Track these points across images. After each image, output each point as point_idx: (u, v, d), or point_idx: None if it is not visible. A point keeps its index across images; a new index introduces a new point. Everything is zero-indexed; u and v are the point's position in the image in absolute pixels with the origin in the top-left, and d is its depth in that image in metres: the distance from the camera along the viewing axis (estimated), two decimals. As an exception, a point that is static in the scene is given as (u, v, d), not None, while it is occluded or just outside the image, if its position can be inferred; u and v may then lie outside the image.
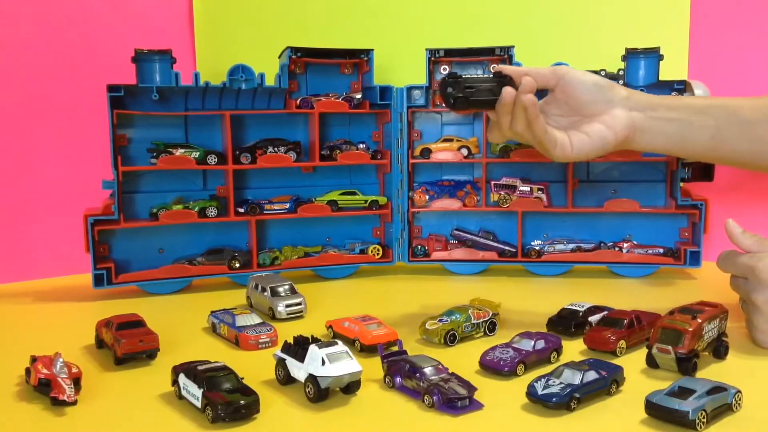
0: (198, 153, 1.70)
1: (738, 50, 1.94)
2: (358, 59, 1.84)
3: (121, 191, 1.63)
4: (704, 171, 1.74)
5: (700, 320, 1.10)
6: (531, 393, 0.99)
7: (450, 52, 1.83)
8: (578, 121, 1.30)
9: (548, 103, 1.32)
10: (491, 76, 1.27)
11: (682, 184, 1.75)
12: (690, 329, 1.08)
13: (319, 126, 1.77)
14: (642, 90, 1.71)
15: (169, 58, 1.64)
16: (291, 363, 1.06)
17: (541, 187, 1.81)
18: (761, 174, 1.92)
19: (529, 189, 1.81)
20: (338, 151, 1.80)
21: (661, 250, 1.78)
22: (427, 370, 1.03)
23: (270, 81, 1.73)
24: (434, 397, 0.98)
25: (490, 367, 1.11)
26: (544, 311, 1.36)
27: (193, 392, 0.99)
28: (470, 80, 1.26)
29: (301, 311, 1.45)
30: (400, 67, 1.90)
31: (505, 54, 1.79)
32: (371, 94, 1.81)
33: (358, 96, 1.83)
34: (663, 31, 1.96)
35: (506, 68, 1.27)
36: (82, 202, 1.68)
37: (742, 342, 1.22)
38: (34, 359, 1.08)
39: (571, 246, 1.81)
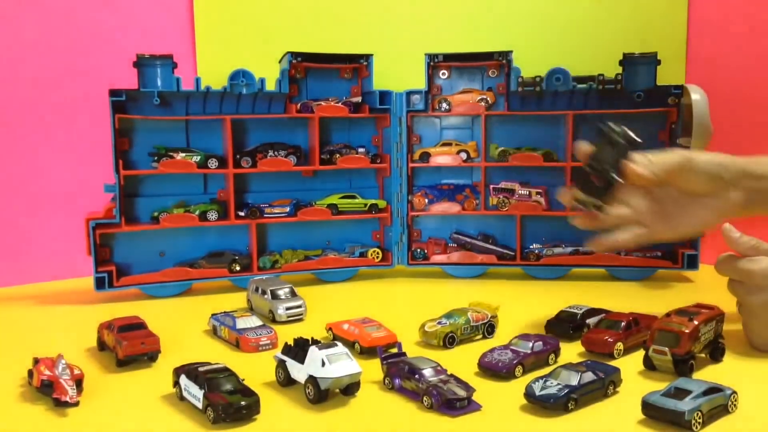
0: (199, 157, 1.71)
1: (735, 55, 1.95)
2: (358, 64, 1.85)
3: (123, 195, 1.64)
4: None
5: (696, 322, 1.11)
6: (529, 394, 0.99)
7: (449, 57, 1.84)
8: (685, 201, 1.24)
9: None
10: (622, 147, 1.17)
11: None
12: (686, 331, 1.09)
13: (319, 130, 1.78)
14: (639, 95, 1.73)
15: (170, 63, 1.65)
16: (291, 364, 1.07)
17: (540, 190, 1.82)
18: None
19: (527, 192, 1.82)
20: (338, 155, 1.81)
21: (659, 254, 1.78)
22: (426, 372, 1.04)
23: (270, 86, 1.74)
24: (433, 398, 0.99)
25: (489, 368, 1.12)
26: (543, 314, 1.37)
27: (195, 393, 1.00)
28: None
29: (301, 314, 1.46)
30: (400, 72, 1.91)
31: (503, 59, 1.80)
32: (371, 98, 1.83)
33: (358, 100, 1.84)
34: (660, 35, 1.98)
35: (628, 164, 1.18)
36: (84, 205, 1.69)
37: (738, 344, 1.23)
38: (36, 361, 1.09)
39: (570, 249, 1.82)
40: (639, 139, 1.18)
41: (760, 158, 1.25)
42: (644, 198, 1.25)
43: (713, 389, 0.96)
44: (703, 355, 1.16)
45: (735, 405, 0.97)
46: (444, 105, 1.84)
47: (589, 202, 1.20)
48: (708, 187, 1.21)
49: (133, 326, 1.23)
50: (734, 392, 0.97)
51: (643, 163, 1.19)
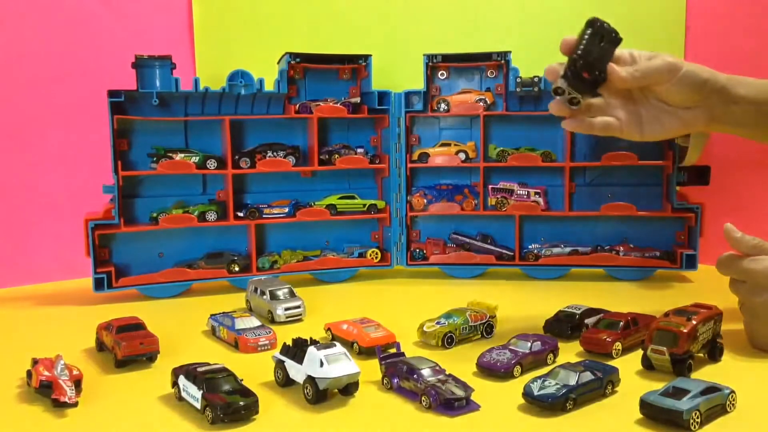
0: (198, 158, 1.71)
1: (734, 55, 1.95)
2: (357, 65, 1.85)
3: (122, 196, 1.64)
4: (700, 175, 1.75)
5: (694, 322, 1.11)
6: (527, 393, 1.00)
7: (447, 58, 1.84)
8: (658, 109, 1.24)
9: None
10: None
11: (678, 188, 1.76)
12: (685, 331, 1.09)
13: (318, 131, 1.79)
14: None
15: (169, 64, 1.65)
16: (290, 365, 1.07)
17: (538, 191, 1.82)
18: (757, 177, 1.93)
19: (526, 193, 1.82)
20: (337, 156, 1.81)
21: (658, 254, 1.79)
22: (425, 372, 1.04)
23: (269, 86, 1.74)
24: (432, 398, 0.99)
25: (487, 368, 1.12)
26: (541, 314, 1.37)
27: (193, 394, 1.00)
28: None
29: (300, 314, 1.46)
30: (398, 73, 1.91)
31: (502, 59, 1.80)
32: (370, 99, 1.83)
33: (357, 101, 1.84)
34: (659, 35, 1.98)
35: (614, 68, 1.17)
36: (83, 206, 1.69)
37: (736, 343, 1.23)
38: (35, 362, 1.09)
39: (568, 249, 1.82)
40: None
41: (741, 79, 1.26)
42: (621, 96, 1.24)
43: (711, 389, 0.96)
44: (701, 354, 1.16)
45: (733, 404, 0.97)
46: (443, 105, 1.84)
47: (567, 92, 1.17)
48: (686, 99, 1.22)
49: (132, 327, 1.23)
50: (732, 392, 0.97)
51: (628, 69, 1.18)
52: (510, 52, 1.79)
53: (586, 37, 1.14)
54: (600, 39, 1.15)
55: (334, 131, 1.87)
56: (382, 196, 1.89)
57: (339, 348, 1.05)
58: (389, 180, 1.85)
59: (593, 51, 1.14)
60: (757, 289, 1.19)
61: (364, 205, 1.85)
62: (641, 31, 1.99)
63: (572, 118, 1.23)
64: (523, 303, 1.58)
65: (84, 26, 1.91)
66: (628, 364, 1.14)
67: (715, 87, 1.22)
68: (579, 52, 1.14)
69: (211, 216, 1.73)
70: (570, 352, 1.23)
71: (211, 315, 1.39)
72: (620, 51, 1.20)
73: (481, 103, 1.83)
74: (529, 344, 1.16)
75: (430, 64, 1.83)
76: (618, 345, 1.21)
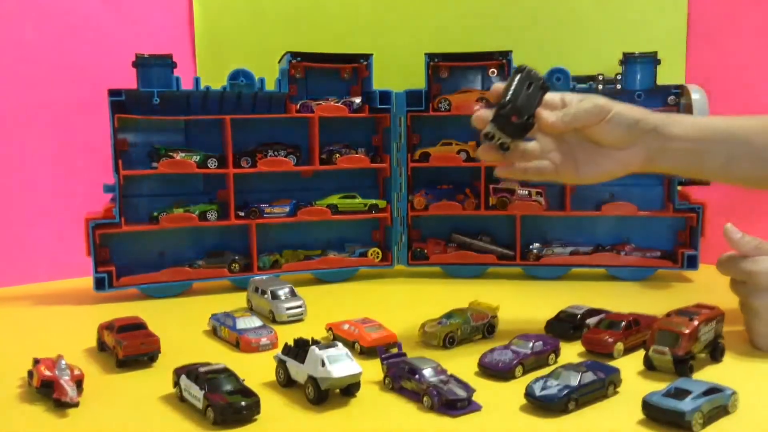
0: (198, 157, 1.71)
1: (735, 54, 1.95)
2: (358, 64, 1.85)
3: (122, 195, 1.64)
4: (701, 174, 1.75)
5: (696, 322, 1.11)
6: (529, 394, 1.00)
7: (449, 57, 1.84)
8: (592, 150, 1.22)
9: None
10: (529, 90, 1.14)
11: (679, 188, 1.76)
12: (687, 331, 1.09)
13: (319, 130, 1.78)
14: (639, 95, 1.74)
15: (169, 63, 1.65)
16: (291, 365, 1.07)
17: (540, 190, 1.82)
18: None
19: (527, 192, 1.82)
20: (338, 155, 1.81)
21: (659, 254, 1.79)
22: (426, 372, 1.04)
23: (270, 86, 1.74)
24: (433, 399, 0.99)
25: (489, 368, 1.12)
26: (543, 314, 1.37)
27: (195, 394, 1.00)
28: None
29: (301, 314, 1.46)
30: (400, 72, 1.91)
31: (503, 59, 1.80)
32: (371, 98, 1.83)
33: (358, 100, 1.84)
34: (660, 35, 1.98)
35: (542, 113, 1.16)
36: (84, 205, 1.69)
37: (738, 344, 1.23)
38: (36, 361, 1.08)
39: (569, 249, 1.82)
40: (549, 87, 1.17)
41: (673, 116, 1.24)
42: (555, 140, 1.23)
43: (714, 389, 0.96)
44: (703, 355, 1.16)
45: (735, 405, 0.97)
46: (444, 105, 1.84)
47: (497, 137, 1.16)
48: (618, 140, 1.20)
49: (133, 326, 1.23)
50: (734, 392, 0.97)
51: (557, 113, 1.17)
52: (511, 51, 1.79)
53: (515, 83, 1.14)
54: (528, 85, 1.15)
55: (335, 131, 1.86)
56: (383, 196, 1.89)
57: (341, 348, 1.05)
58: (390, 179, 1.85)
59: (521, 96, 1.14)
60: (758, 290, 1.19)
61: (365, 204, 1.84)
62: (641, 31, 1.99)
63: (505, 166, 1.23)
64: (524, 303, 1.58)
65: (84, 25, 1.90)
66: (629, 365, 1.13)
67: (647, 128, 1.20)
68: (507, 97, 1.14)
69: (212, 215, 1.73)
70: (571, 352, 1.22)
71: (213, 315, 1.39)
72: (551, 95, 1.19)
73: (483, 103, 1.83)
74: (531, 344, 1.16)
75: (432, 63, 1.83)
76: (619, 345, 1.20)
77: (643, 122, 1.19)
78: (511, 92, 1.14)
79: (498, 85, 1.17)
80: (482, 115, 1.16)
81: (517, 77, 1.15)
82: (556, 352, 1.19)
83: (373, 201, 1.85)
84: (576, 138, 1.22)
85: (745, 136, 1.23)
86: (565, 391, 0.98)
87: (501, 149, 1.17)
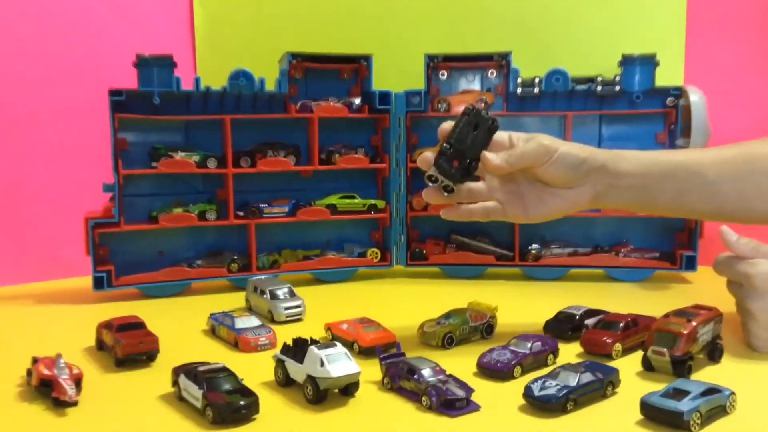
0: (198, 156, 1.71)
1: (733, 56, 1.95)
2: (358, 64, 1.85)
3: (122, 194, 1.64)
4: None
5: (695, 323, 1.11)
6: (528, 394, 1.00)
7: (449, 58, 1.84)
8: (540, 189, 1.20)
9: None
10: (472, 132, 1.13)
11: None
12: (685, 332, 1.09)
13: (319, 130, 1.79)
14: (638, 96, 1.74)
15: (170, 63, 1.65)
16: (290, 364, 1.07)
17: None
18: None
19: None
20: (337, 155, 1.81)
21: (657, 255, 1.79)
22: (425, 372, 1.04)
23: (270, 86, 1.74)
24: (432, 399, 0.99)
25: (488, 368, 1.12)
26: (541, 314, 1.37)
27: (194, 393, 1.00)
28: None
29: (300, 314, 1.46)
30: (399, 73, 1.91)
31: (503, 60, 1.80)
32: (370, 98, 1.83)
33: (357, 101, 1.84)
34: (659, 37, 1.98)
35: (486, 155, 1.14)
36: (83, 205, 1.69)
37: (736, 345, 1.24)
38: (35, 360, 1.08)
39: (568, 250, 1.82)
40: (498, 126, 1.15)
41: (621, 153, 1.21)
42: (502, 179, 1.21)
43: (712, 390, 0.96)
44: (701, 356, 1.16)
45: (733, 406, 0.97)
46: (443, 105, 1.84)
47: (440, 180, 1.15)
48: (565, 180, 1.17)
49: (132, 326, 1.23)
50: (733, 393, 0.97)
51: (502, 155, 1.15)
52: (511, 52, 1.79)
53: (460, 125, 1.13)
54: (474, 127, 1.13)
55: (334, 131, 1.86)
56: (382, 196, 1.89)
57: (339, 348, 1.05)
58: (390, 180, 1.85)
59: (465, 139, 1.13)
60: (755, 293, 1.19)
61: (365, 204, 1.84)
62: (640, 32, 1.99)
63: (450, 208, 1.22)
64: (523, 303, 1.58)
65: (85, 25, 1.90)
66: (628, 365, 1.14)
67: (594, 166, 1.17)
68: (451, 140, 1.13)
69: (211, 215, 1.73)
70: (570, 352, 1.23)
71: (211, 314, 1.39)
72: (500, 134, 1.17)
73: (482, 104, 1.83)
74: (530, 345, 1.16)
75: (431, 64, 1.83)
76: (618, 346, 1.21)
77: (590, 161, 1.17)
78: (455, 135, 1.13)
79: (445, 126, 1.15)
80: (426, 157, 1.15)
81: (464, 119, 1.13)
82: (555, 352, 1.19)
83: (373, 201, 1.85)
84: (523, 177, 1.20)
85: (698, 167, 1.20)
86: (564, 392, 0.98)
87: (445, 191, 1.16)
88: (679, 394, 0.94)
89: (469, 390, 1.01)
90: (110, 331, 1.21)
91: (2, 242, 1.83)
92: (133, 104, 1.65)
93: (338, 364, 1.02)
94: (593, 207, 1.24)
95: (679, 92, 1.74)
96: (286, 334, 1.21)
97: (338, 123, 1.85)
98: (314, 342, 1.08)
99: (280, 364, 1.09)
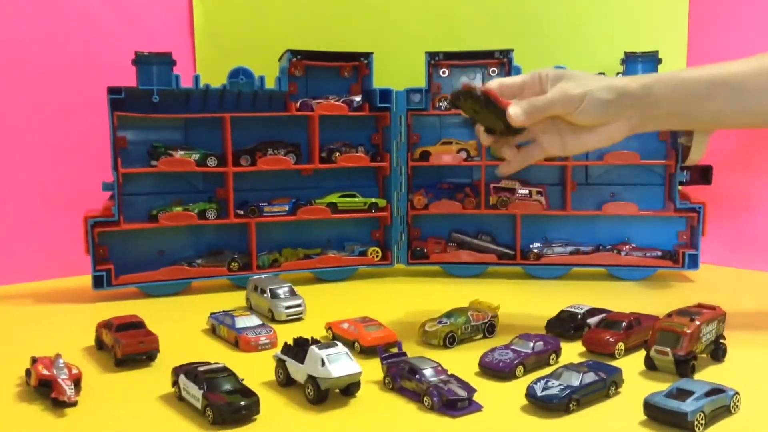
0: (198, 155, 1.70)
1: (736, 53, 1.94)
2: (358, 62, 1.84)
3: (121, 193, 1.63)
4: (703, 174, 1.75)
5: (698, 322, 1.10)
6: (530, 394, 0.99)
7: (449, 56, 1.84)
8: (574, 125, 1.20)
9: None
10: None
11: (680, 188, 1.76)
12: (688, 331, 1.09)
13: (319, 129, 1.78)
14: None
15: (169, 61, 1.65)
16: (291, 364, 1.07)
17: (540, 189, 1.82)
18: (760, 177, 1.93)
19: (528, 192, 1.82)
20: (338, 154, 1.80)
21: (660, 253, 1.78)
22: (427, 372, 1.04)
23: (270, 84, 1.73)
24: (434, 399, 0.99)
25: (490, 368, 1.12)
26: (543, 313, 1.37)
27: (194, 393, 0.99)
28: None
29: (301, 313, 1.46)
30: (400, 70, 1.90)
31: (504, 57, 1.80)
32: (371, 96, 1.82)
33: (358, 99, 1.84)
34: (661, 34, 1.97)
35: (517, 109, 1.16)
36: (82, 203, 1.68)
37: (739, 344, 1.23)
38: (34, 360, 1.08)
39: (570, 249, 1.81)
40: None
41: (653, 83, 1.18)
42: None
43: (715, 390, 0.95)
44: (704, 355, 1.15)
45: (737, 406, 0.96)
46: (444, 103, 1.83)
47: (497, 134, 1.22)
48: (595, 123, 1.18)
49: (132, 325, 1.22)
50: (737, 393, 0.96)
51: (526, 109, 1.15)
52: (512, 50, 1.78)
53: (469, 115, 1.20)
54: (472, 102, 1.16)
55: (334, 129, 1.86)
56: (383, 195, 1.88)
57: (340, 347, 1.05)
58: (390, 178, 1.84)
59: (481, 121, 1.20)
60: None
61: (365, 203, 1.84)
62: (642, 30, 1.99)
63: (503, 164, 1.27)
64: (524, 302, 1.58)
65: (84, 23, 1.90)
66: (630, 365, 1.13)
67: (626, 103, 1.17)
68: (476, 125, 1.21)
69: (211, 214, 1.73)
70: (572, 352, 1.22)
71: (212, 313, 1.38)
72: (509, 81, 1.21)
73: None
74: (532, 344, 1.16)
75: (432, 61, 1.83)
76: (621, 345, 1.20)
77: (620, 101, 1.16)
78: (477, 122, 1.20)
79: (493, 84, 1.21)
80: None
81: (461, 108, 1.19)
82: (557, 352, 1.18)
83: (373, 200, 1.85)
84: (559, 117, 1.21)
85: (738, 82, 1.19)
86: (567, 392, 0.97)
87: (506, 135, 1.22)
88: (682, 394, 0.94)
89: (471, 390, 1.01)
90: (110, 331, 1.21)
91: (1, 241, 1.82)
92: (132, 102, 1.64)
93: (339, 363, 1.01)
94: (632, 134, 1.24)
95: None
96: (286, 334, 1.20)
97: (339, 121, 1.84)
98: (315, 341, 1.07)
99: (280, 363, 1.09)
